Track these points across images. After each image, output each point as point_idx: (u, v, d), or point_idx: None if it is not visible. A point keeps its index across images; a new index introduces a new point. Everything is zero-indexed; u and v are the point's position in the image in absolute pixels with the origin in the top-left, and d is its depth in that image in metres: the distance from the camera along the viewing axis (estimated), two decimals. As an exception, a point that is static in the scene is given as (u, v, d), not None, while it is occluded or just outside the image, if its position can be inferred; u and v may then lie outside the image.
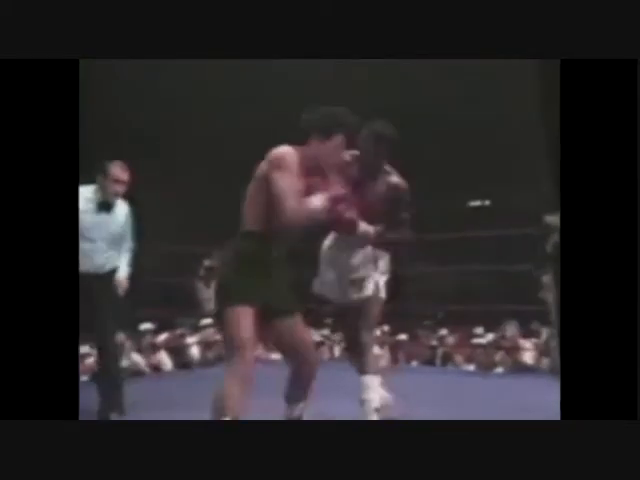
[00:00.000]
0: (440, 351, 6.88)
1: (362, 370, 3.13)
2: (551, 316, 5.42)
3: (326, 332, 7.30)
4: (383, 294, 3.24)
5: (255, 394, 2.38)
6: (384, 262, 3.26)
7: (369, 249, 3.21)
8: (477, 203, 12.64)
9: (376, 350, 5.44)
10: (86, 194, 3.76)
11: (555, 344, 5.36)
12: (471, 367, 6.38)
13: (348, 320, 3.26)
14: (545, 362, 5.85)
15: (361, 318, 3.18)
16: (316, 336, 6.86)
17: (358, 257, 3.22)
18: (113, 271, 3.88)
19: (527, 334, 6.40)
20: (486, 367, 6.14)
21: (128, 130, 9.61)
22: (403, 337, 7.08)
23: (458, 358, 6.69)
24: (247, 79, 8.78)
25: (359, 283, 3.20)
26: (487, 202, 12.55)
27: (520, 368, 5.93)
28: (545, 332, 6.01)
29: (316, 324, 7.30)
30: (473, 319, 7.06)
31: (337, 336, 6.95)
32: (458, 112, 9.61)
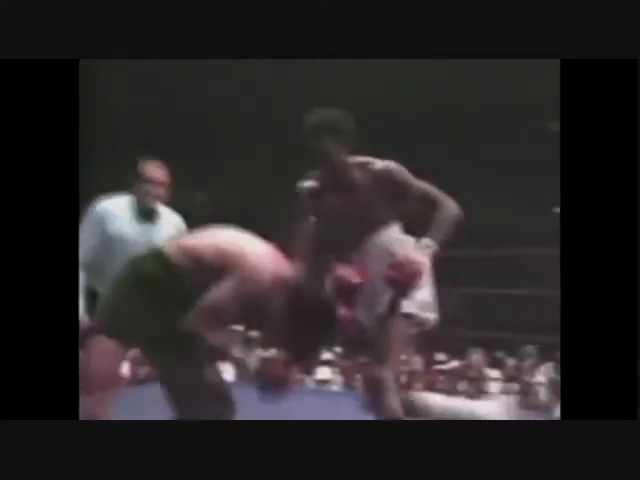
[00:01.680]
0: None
1: None
2: None
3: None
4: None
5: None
6: None
7: None
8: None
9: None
10: (121, 204, 3.26)
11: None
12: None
13: None
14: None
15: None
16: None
17: None
18: None
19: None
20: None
21: (128, 130, 9.61)
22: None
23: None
24: (247, 79, 8.78)
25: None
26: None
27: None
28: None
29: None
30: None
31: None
32: (457, 112, 9.60)
